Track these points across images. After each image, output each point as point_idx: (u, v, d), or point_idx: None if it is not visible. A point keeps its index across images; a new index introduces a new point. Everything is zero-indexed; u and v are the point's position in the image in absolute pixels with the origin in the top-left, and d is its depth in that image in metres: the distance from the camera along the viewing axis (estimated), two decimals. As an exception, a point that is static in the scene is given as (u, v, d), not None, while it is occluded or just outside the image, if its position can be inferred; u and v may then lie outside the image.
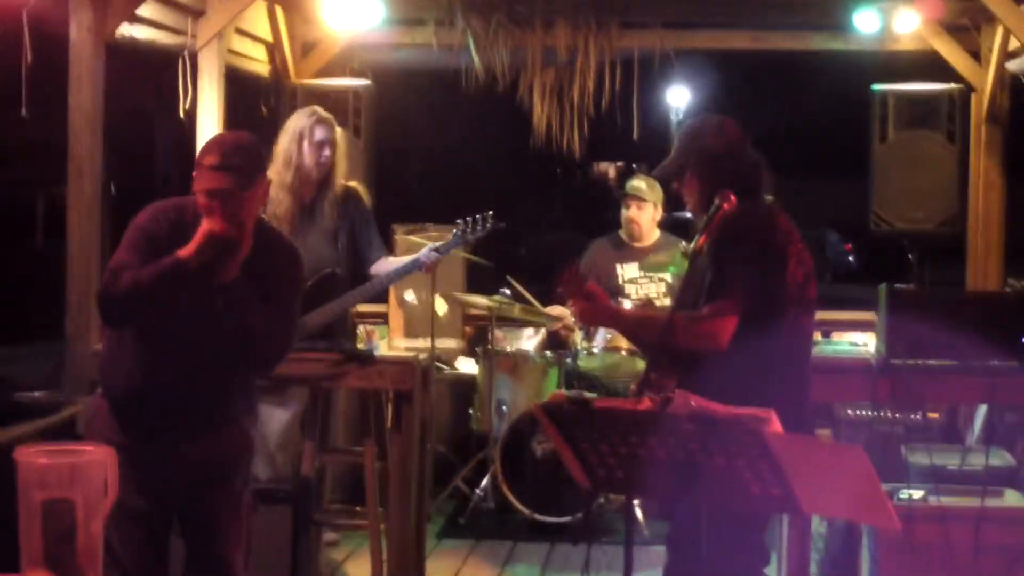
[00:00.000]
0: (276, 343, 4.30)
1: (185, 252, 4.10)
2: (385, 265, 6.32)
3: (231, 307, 4.16)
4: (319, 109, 6.40)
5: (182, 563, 4.47)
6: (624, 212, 7.69)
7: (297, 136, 6.21)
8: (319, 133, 6.21)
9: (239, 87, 7.84)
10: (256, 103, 8.34)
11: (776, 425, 3.36)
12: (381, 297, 7.95)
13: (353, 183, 6.45)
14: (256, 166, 4.20)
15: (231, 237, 4.11)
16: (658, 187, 7.66)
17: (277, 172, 6.18)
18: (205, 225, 4.10)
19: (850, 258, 24.52)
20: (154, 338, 4.25)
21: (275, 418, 6.22)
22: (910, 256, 8.16)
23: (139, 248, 4.19)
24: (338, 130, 6.35)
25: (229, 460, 4.41)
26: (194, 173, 4.17)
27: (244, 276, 4.18)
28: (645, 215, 7.57)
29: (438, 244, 6.35)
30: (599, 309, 4.55)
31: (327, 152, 6.21)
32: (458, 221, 6.37)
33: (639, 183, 7.69)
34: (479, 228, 6.34)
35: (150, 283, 4.10)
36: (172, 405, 4.27)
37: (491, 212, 6.34)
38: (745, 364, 4.21)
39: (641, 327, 4.59)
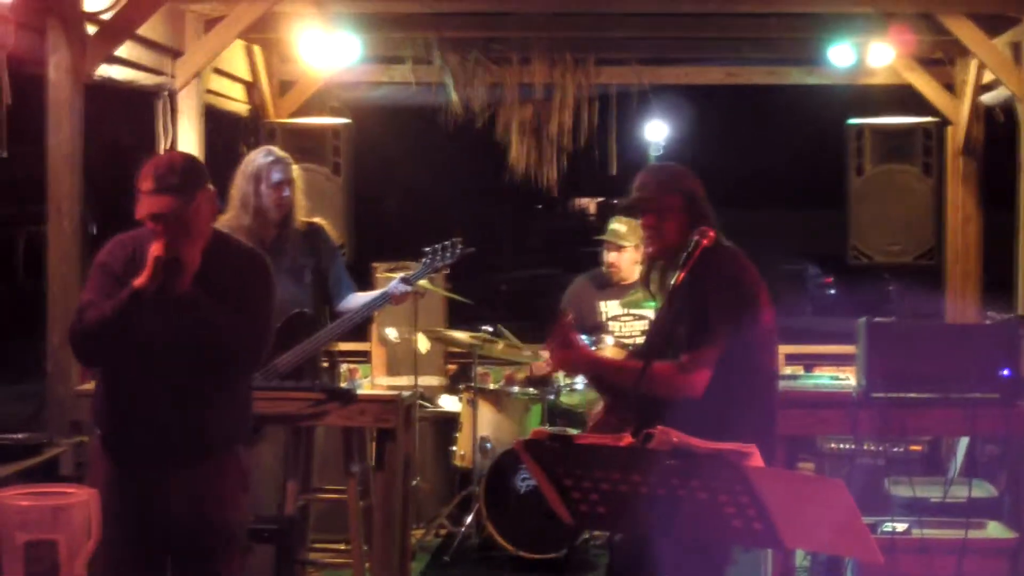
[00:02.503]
0: (247, 345, 4.34)
1: (139, 281, 4.18)
2: (354, 301, 6.26)
3: (191, 319, 4.22)
4: (274, 149, 6.28)
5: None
6: (605, 255, 7.68)
7: (254, 178, 6.09)
8: (276, 174, 6.09)
9: (218, 125, 7.86)
10: (235, 141, 8.35)
11: (758, 460, 3.36)
12: (362, 335, 7.94)
13: (317, 219, 6.36)
14: (193, 182, 4.24)
15: (177, 256, 4.18)
16: (639, 228, 7.66)
17: (235, 215, 6.09)
18: (152, 250, 4.18)
19: (830, 291, 24.64)
20: (131, 368, 4.28)
21: (257, 457, 6.21)
22: (889, 288, 8.19)
23: (100, 284, 4.30)
24: (294, 168, 6.23)
25: (223, 495, 4.40)
26: (137, 200, 4.23)
27: (202, 286, 4.23)
28: (625, 258, 7.56)
29: (407, 275, 6.30)
30: (577, 356, 4.59)
31: (286, 192, 6.11)
32: (425, 249, 6.31)
33: (618, 227, 7.67)
34: (448, 255, 6.28)
35: (112, 316, 4.18)
36: (161, 432, 4.28)
37: (459, 238, 6.29)
38: (715, 401, 4.28)
39: (617, 375, 4.61)
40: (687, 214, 4.59)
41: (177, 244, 4.18)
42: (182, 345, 4.22)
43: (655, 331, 4.64)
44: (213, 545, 4.36)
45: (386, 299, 6.22)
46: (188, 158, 4.42)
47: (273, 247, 6.03)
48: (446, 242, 6.26)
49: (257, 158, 6.16)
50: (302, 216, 6.22)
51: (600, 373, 4.72)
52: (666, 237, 4.62)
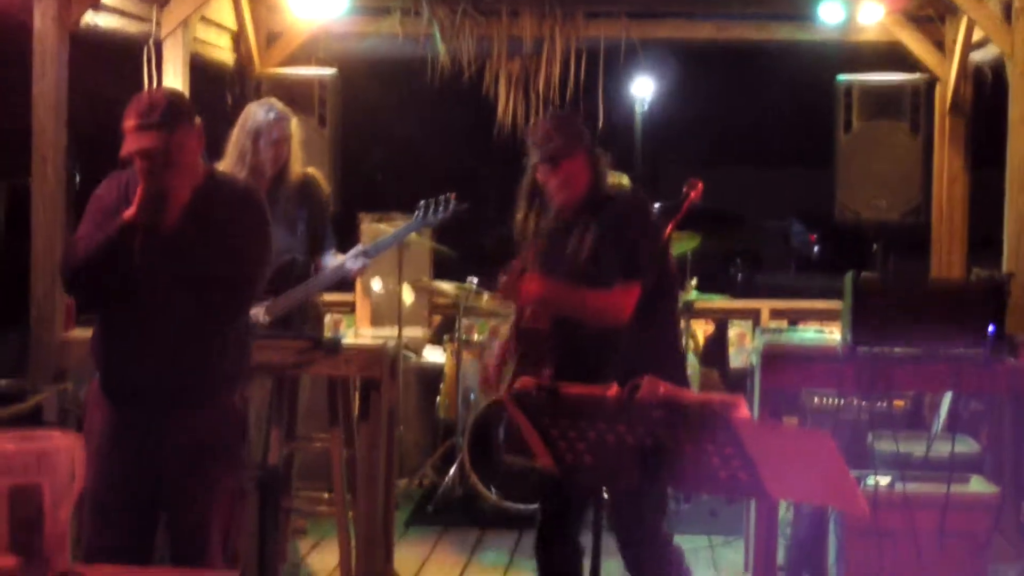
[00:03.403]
0: (240, 281, 4.35)
1: (128, 214, 4.20)
2: (325, 263, 6.25)
3: (182, 254, 4.22)
4: (275, 103, 6.23)
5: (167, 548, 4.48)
6: None
7: (253, 134, 6.06)
8: (276, 132, 6.07)
9: (204, 75, 7.81)
10: (221, 92, 8.30)
11: (744, 410, 3.37)
12: (347, 286, 7.93)
13: (311, 170, 6.34)
14: (176, 118, 4.23)
15: (166, 190, 4.20)
16: (625, 182, 7.67)
17: (228, 165, 6.06)
18: (141, 185, 4.20)
19: (814, 248, 24.64)
20: (127, 307, 4.29)
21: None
22: (874, 246, 8.20)
23: (93, 218, 4.33)
24: (293, 121, 6.19)
25: (222, 440, 4.40)
26: (124, 138, 4.24)
27: (193, 222, 4.24)
28: None
29: (367, 246, 6.26)
30: (539, 284, 4.80)
31: (284, 149, 6.10)
32: (419, 203, 6.29)
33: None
34: (440, 209, 6.26)
35: (102, 248, 4.20)
36: (160, 371, 4.29)
37: (453, 194, 6.27)
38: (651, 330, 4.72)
39: (569, 296, 4.81)
40: (592, 163, 4.88)
41: (162, 179, 4.19)
42: (174, 280, 4.23)
43: (565, 263, 4.84)
44: (209, 490, 4.37)
45: (343, 273, 6.20)
46: (171, 93, 4.42)
47: (267, 197, 6.03)
48: (439, 196, 6.25)
49: (258, 114, 6.11)
50: (298, 168, 6.20)
51: (558, 297, 4.83)
52: (575, 188, 4.84)
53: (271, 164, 6.09)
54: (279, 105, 6.22)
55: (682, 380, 4.85)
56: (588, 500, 4.61)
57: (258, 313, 5.80)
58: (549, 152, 4.82)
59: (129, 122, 4.20)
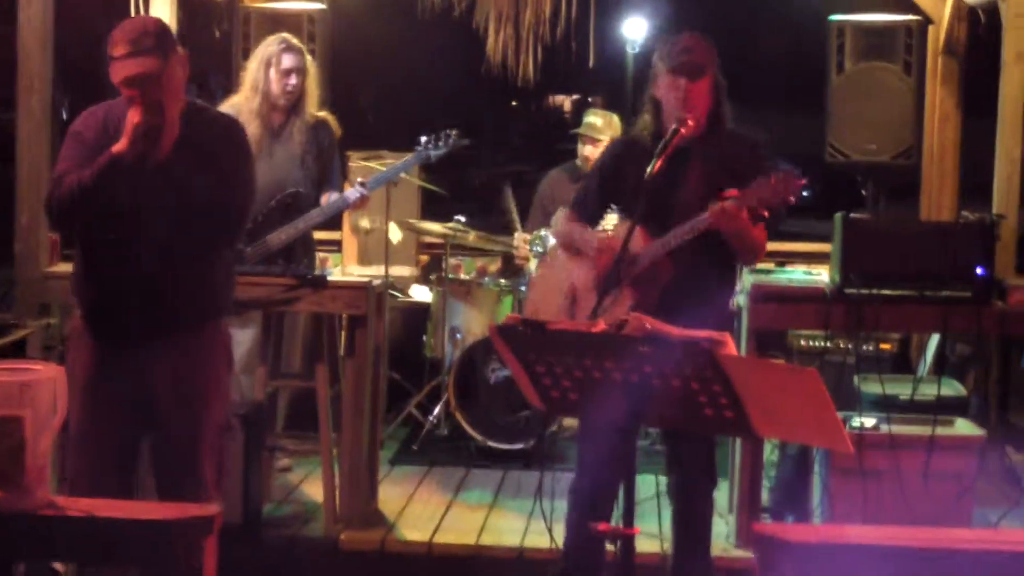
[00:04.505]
0: (229, 210, 4.34)
1: (118, 147, 4.16)
2: (331, 197, 6.31)
3: (172, 185, 4.20)
4: (288, 36, 6.41)
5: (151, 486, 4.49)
6: (580, 149, 7.67)
7: (265, 63, 6.25)
8: (286, 61, 6.23)
9: (191, 9, 7.74)
10: (209, 25, 8.23)
11: (731, 347, 3.35)
12: (335, 224, 7.90)
13: (324, 114, 6.45)
14: (166, 46, 4.20)
15: (157, 121, 4.15)
16: (615, 121, 7.64)
17: (245, 97, 6.25)
18: (130, 116, 4.15)
19: (805, 192, 24.46)
20: (112, 237, 4.27)
21: (237, 340, 6.20)
22: (863, 191, 8.16)
23: (75, 152, 4.28)
24: (308, 58, 6.36)
25: (207, 371, 4.39)
26: (109, 68, 4.18)
27: (181, 153, 4.21)
28: (600, 152, 7.53)
29: (366, 180, 6.36)
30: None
31: (294, 80, 6.23)
32: (420, 139, 6.36)
33: (594, 119, 7.65)
34: (441, 145, 6.35)
35: (91, 182, 4.17)
36: (145, 301, 4.28)
37: (454, 129, 6.34)
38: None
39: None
40: (718, 91, 4.80)
41: (156, 109, 4.14)
42: (163, 212, 4.21)
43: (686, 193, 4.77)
44: (194, 422, 4.36)
45: (345, 204, 6.27)
46: (158, 21, 4.41)
47: (279, 131, 6.22)
48: (440, 131, 6.32)
49: (271, 44, 6.29)
50: (313, 108, 6.33)
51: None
52: (702, 109, 4.75)
53: (283, 95, 6.24)
54: (292, 39, 6.38)
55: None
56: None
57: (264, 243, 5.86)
58: (690, 63, 4.70)
59: (119, 48, 4.14)
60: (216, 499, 4.37)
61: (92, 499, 3.62)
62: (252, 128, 6.13)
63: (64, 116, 7.61)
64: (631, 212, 4.73)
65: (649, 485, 6.40)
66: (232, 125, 4.51)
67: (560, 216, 5.30)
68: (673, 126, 4.64)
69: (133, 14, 6.89)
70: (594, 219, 5.05)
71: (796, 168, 4.71)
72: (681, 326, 3.41)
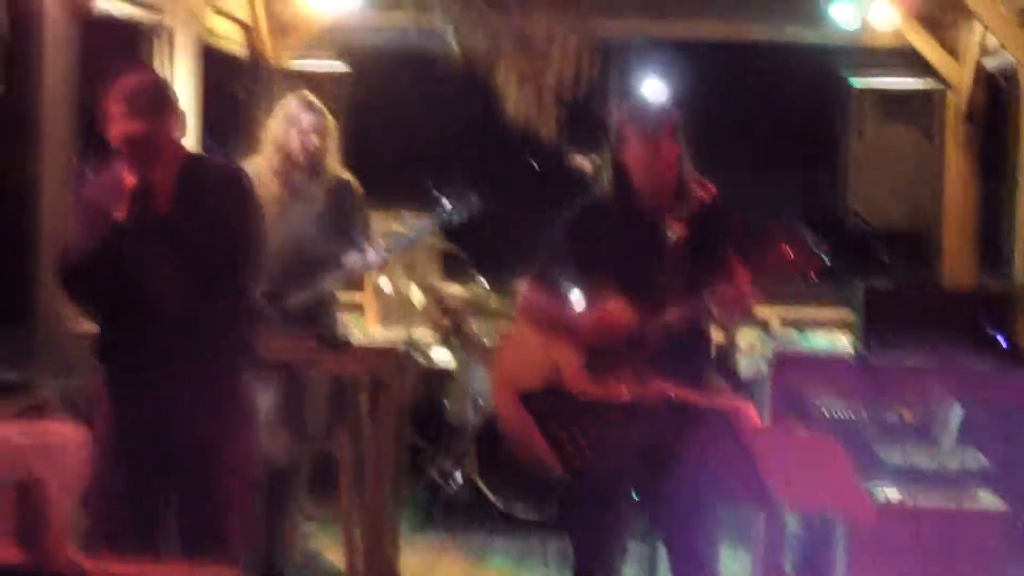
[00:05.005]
0: (236, 261, 4.35)
1: (119, 215, 4.17)
2: (346, 259, 6.28)
3: (175, 241, 4.21)
4: (308, 95, 6.34)
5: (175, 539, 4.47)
6: None
7: (285, 121, 6.19)
8: (307, 120, 6.15)
9: (215, 67, 7.79)
10: (232, 83, 8.28)
11: (753, 416, 3.35)
12: (356, 285, 7.90)
13: (347, 175, 6.38)
14: (161, 106, 4.21)
15: (151, 181, 4.17)
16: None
17: (265, 155, 6.20)
18: (126, 180, 4.17)
19: (824, 257, 24.38)
20: (127, 300, 4.27)
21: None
22: (883, 257, 8.15)
23: (81, 223, 4.30)
24: (328, 117, 6.29)
25: (230, 424, 4.38)
26: (106, 123, 4.20)
27: (182, 209, 4.22)
28: None
29: (387, 243, 6.31)
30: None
31: (314, 139, 6.16)
32: (442, 201, 6.34)
33: None
34: (462, 208, 6.33)
35: (94, 252, 4.19)
36: (164, 359, 4.27)
37: (472, 192, 6.33)
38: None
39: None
40: (681, 149, 4.62)
41: (149, 168, 4.16)
42: (170, 269, 4.20)
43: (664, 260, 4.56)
44: (217, 479, 4.34)
45: (366, 267, 6.27)
46: (157, 79, 4.40)
47: (301, 191, 6.12)
48: (459, 195, 6.29)
49: (291, 103, 6.23)
50: (334, 167, 6.26)
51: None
52: (674, 171, 4.58)
53: (303, 154, 6.15)
54: (313, 99, 6.32)
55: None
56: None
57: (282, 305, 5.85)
58: (658, 123, 4.57)
59: (113, 107, 4.16)
60: (239, 559, 4.36)
61: (115, 562, 3.61)
62: (272, 187, 6.12)
63: (88, 172, 7.63)
64: (598, 283, 4.58)
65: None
66: (235, 175, 4.48)
67: (526, 291, 4.92)
68: (696, 191, 4.57)
69: (156, 68, 6.95)
70: (560, 293, 4.79)
71: (807, 233, 4.58)
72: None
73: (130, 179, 4.16)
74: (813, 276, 4.49)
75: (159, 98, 4.21)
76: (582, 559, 4.66)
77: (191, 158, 4.37)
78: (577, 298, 4.79)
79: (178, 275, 4.22)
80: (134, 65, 4.30)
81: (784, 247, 4.40)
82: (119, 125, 4.15)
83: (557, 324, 4.66)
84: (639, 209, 4.57)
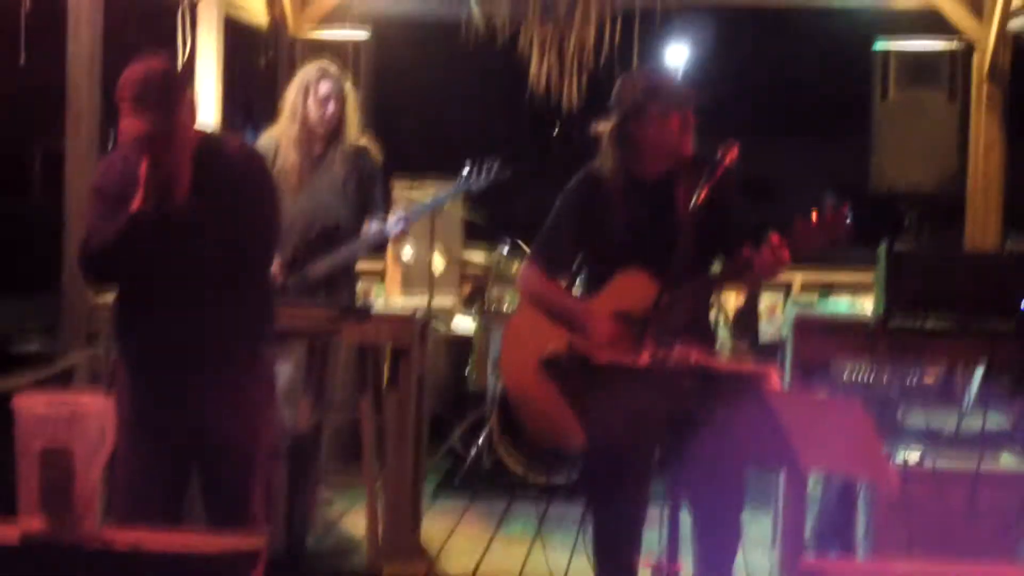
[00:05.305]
0: (257, 242, 4.35)
1: (135, 205, 4.15)
2: (366, 229, 6.28)
3: (193, 229, 4.20)
4: (326, 63, 6.33)
5: (200, 513, 4.50)
6: None
7: (303, 90, 6.19)
8: (324, 88, 6.15)
9: (238, 37, 7.80)
10: (254, 54, 8.29)
11: (775, 380, 3.35)
12: (378, 253, 7.92)
13: (365, 141, 6.37)
14: (173, 95, 4.15)
15: (168, 174, 4.14)
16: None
17: (284, 126, 6.20)
18: (142, 170, 4.14)
19: (848, 220, 24.29)
20: (146, 282, 4.28)
21: (279, 373, 6.21)
22: (907, 219, 8.13)
23: (98, 209, 4.28)
24: (347, 85, 6.28)
25: (250, 399, 4.40)
26: (118, 114, 4.18)
27: (199, 196, 4.20)
28: None
29: (407, 211, 6.32)
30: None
31: (332, 107, 6.15)
32: (463, 169, 6.33)
33: None
34: (484, 176, 6.31)
35: (115, 243, 4.17)
36: (181, 339, 4.28)
37: (496, 160, 6.31)
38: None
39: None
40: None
41: (165, 160, 4.14)
42: (189, 256, 4.21)
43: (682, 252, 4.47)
44: (241, 450, 4.37)
45: (386, 236, 6.24)
46: (164, 68, 4.27)
47: (319, 160, 6.13)
48: (482, 162, 6.28)
49: (308, 71, 6.23)
50: (353, 135, 6.24)
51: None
52: (688, 143, 4.61)
53: (321, 122, 6.15)
54: (330, 66, 6.31)
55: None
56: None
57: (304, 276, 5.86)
58: (683, 98, 4.58)
59: (124, 100, 4.12)
60: (264, 528, 4.39)
61: (139, 532, 3.64)
62: (291, 157, 6.13)
63: (111, 147, 7.66)
64: (601, 257, 4.58)
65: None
66: (249, 158, 4.45)
67: (526, 270, 4.82)
68: (719, 154, 4.53)
69: (180, 43, 6.96)
70: (567, 271, 4.78)
71: (834, 199, 4.59)
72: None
73: (145, 171, 4.14)
74: (844, 242, 4.47)
75: (165, 92, 4.14)
76: (602, 524, 4.68)
77: (205, 140, 4.33)
78: (577, 275, 4.79)
79: (197, 261, 4.22)
80: (145, 53, 4.22)
81: (817, 214, 4.41)
82: (130, 121, 4.11)
83: (563, 316, 4.63)
84: (644, 179, 4.58)
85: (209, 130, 4.51)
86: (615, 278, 4.57)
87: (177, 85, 4.21)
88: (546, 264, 4.71)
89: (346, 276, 6.30)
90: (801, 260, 4.51)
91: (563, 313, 4.61)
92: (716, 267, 4.67)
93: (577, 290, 4.85)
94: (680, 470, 4.17)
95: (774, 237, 4.39)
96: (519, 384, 4.73)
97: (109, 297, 4.74)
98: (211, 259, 4.23)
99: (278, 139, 6.13)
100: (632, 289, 4.51)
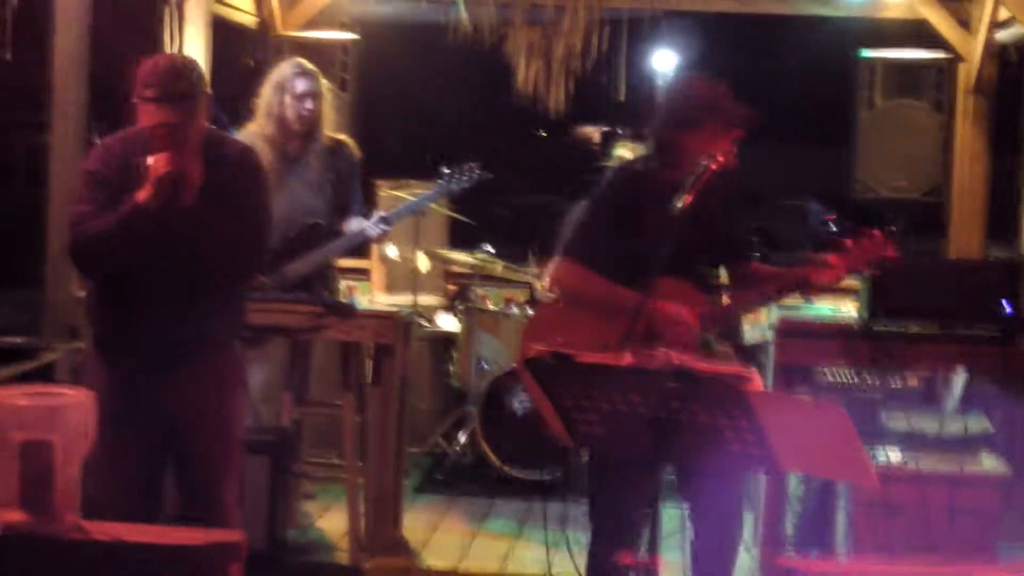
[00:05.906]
0: (248, 250, 4.35)
1: (141, 196, 4.13)
2: (348, 227, 6.26)
3: (194, 228, 4.18)
4: (302, 61, 6.30)
5: (175, 503, 4.49)
6: None
7: (279, 88, 6.14)
8: (300, 85, 6.11)
9: (225, 37, 7.78)
10: (242, 54, 8.28)
11: (758, 383, 3.36)
12: (363, 252, 7.92)
13: (343, 136, 6.37)
14: (197, 91, 4.17)
15: (182, 171, 4.12)
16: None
17: (259, 124, 6.15)
18: (154, 165, 4.11)
19: (832, 229, 24.31)
20: (132, 274, 4.26)
21: (257, 371, 6.21)
22: (892, 228, 8.14)
23: (94, 195, 4.23)
24: (323, 82, 6.25)
25: (221, 392, 4.39)
26: (136, 103, 4.14)
27: (203, 193, 4.19)
28: None
29: (388, 213, 6.30)
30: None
31: (309, 105, 6.12)
32: (443, 171, 6.32)
33: (625, 152, 7.66)
34: (464, 179, 6.29)
35: (114, 231, 4.15)
36: (157, 332, 4.28)
37: (477, 163, 6.30)
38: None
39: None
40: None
41: (181, 157, 4.11)
42: (184, 252, 4.20)
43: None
44: (213, 442, 4.36)
45: (366, 239, 6.23)
46: (190, 63, 4.31)
47: (296, 158, 6.11)
48: (462, 165, 6.27)
49: (284, 69, 6.19)
50: (329, 131, 6.21)
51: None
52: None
53: (297, 120, 6.11)
54: (305, 63, 6.27)
55: None
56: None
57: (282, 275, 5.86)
58: (739, 120, 4.61)
59: (150, 90, 4.10)
60: (237, 521, 4.38)
61: (119, 524, 3.63)
62: (267, 155, 6.09)
63: (96, 140, 7.65)
64: (639, 254, 4.44)
65: (673, 518, 6.38)
66: (245, 155, 4.46)
67: (563, 267, 4.77)
68: (703, 162, 4.52)
69: (167, 41, 6.94)
70: (600, 267, 4.65)
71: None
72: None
73: (160, 166, 4.12)
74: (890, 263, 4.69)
75: (193, 86, 4.15)
76: (598, 525, 4.70)
77: (210, 137, 4.33)
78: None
79: (191, 258, 4.21)
80: (151, 44, 4.22)
81: (876, 233, 4.61)
82: (152, 111, 4.09)
83: (605, 297, 4.59)
84: (674, 184, 4.49)
85: (211, 127, 4.49)
86: (660, 284, 4.42)
87: (202, 79, 4.21)
88: (582, 259, 4.66)
89: (321, 276, 6.24)
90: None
91: (624, 302, 4.43)
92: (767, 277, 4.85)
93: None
94: (666, 470, 4.21)
95: (832, 257, 4.56)
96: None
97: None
98: (206, 257, 4.21)
99: (253, 137, 6.09)
100: (679, 294, 4.56)
